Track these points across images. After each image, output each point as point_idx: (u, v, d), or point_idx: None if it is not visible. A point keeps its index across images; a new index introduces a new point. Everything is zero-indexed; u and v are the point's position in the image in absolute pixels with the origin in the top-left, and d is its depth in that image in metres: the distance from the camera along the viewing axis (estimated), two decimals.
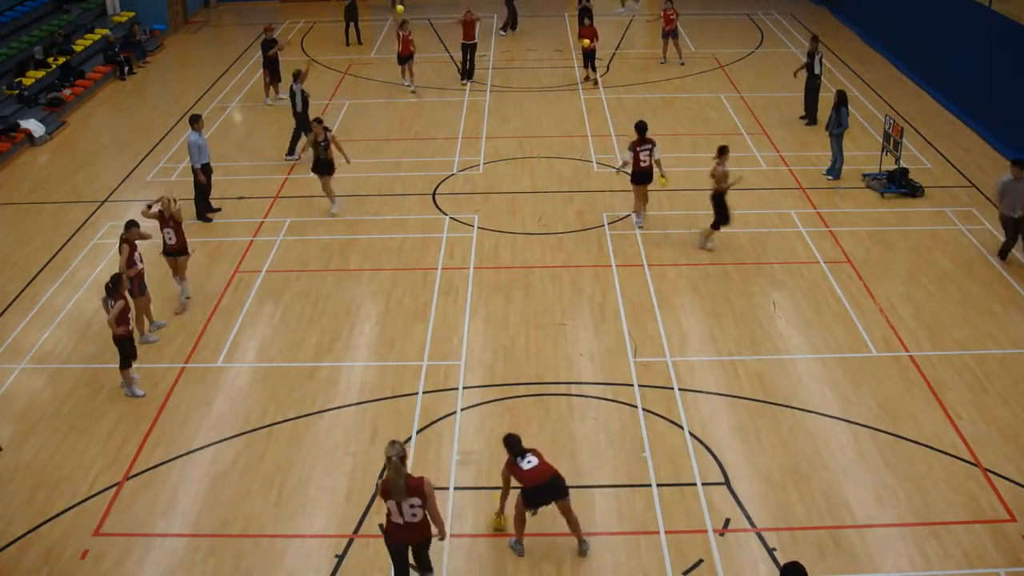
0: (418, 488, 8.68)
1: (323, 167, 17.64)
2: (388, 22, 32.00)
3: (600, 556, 10.25)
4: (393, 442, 8.79)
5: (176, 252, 14.86)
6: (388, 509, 8.83)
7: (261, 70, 24.58)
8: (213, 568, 10.25)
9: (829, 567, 10.03)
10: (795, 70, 22.80)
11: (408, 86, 24.76)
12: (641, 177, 16.94)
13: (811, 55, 21.87)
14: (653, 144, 16.81)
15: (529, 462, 9.84)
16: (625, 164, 17.09)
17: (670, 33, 26.31)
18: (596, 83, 24.86)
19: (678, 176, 19.27)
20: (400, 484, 8.62)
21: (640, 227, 17.14)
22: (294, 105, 20.30)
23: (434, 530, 9.19)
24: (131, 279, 13.64)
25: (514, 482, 10.02)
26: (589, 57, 25.03)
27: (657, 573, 10.04)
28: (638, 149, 16.73)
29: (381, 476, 11.38)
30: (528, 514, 10.07)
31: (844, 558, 10.17)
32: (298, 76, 20.33)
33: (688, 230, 17.03)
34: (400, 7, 25.03)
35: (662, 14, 26.46)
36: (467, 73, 25.39)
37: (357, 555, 10.35)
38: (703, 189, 18.42)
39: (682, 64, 26.43)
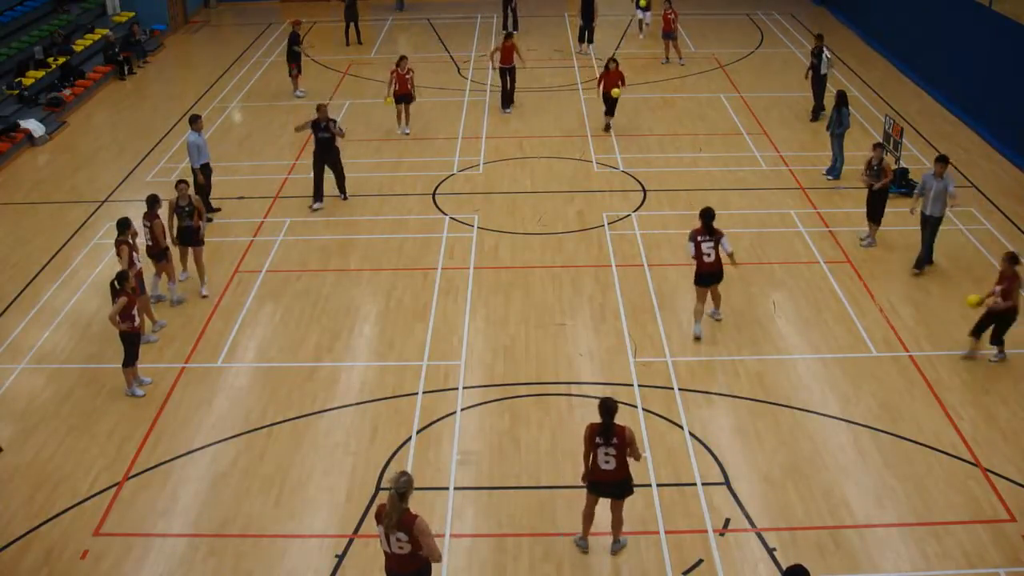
0: (408, 525, 8.45)
1: (186, 236, 15.12)
2: (388, 22, 32.01)
3: (600, 556, 10.24)
4: (402, 473, 8.43)
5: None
6: (377, 532, 8.71)
7: (287, 64, 24.45)
8: (213, 568, 10.26)
9: (829, 567, 10.03)
10: (805, 72, 22.67)
11: (400, 132, 21.91)
12: (704, 278, 13.63)
13: (815, 54, 21.87)
14: (721, 235, 13.44)
15: (607, 462, 9.71)
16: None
17: (668, 34, 26.37)
18: (608, 127, 21.83)
19: (679, 176, 19.31)
20: (393, 518, 8.47)
21: (717, 317, 14.33)
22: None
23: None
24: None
25: None
26: (613, 106, 21.61)
27: (657, 573, 10.04)
28: (699, 240, 13.43)
29: (380, 476, 11.44)
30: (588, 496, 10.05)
31: (844, 558, 10.16)
32: (318, 110, 17.95)
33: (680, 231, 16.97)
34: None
35: (661, 15, 26.54)
36: (506, 99, 23.21)
37: (357, 555, 10.35)
38: (704, 189, 18.49)
39: (682, 64, 26.44)
